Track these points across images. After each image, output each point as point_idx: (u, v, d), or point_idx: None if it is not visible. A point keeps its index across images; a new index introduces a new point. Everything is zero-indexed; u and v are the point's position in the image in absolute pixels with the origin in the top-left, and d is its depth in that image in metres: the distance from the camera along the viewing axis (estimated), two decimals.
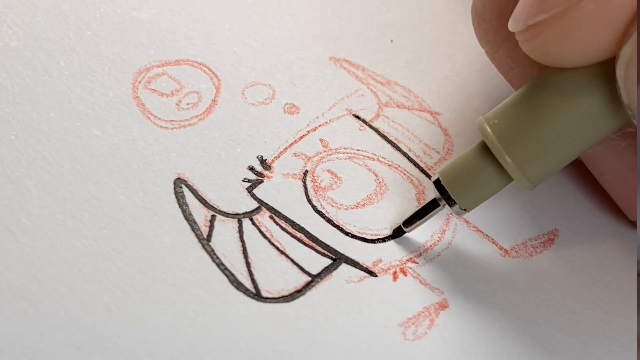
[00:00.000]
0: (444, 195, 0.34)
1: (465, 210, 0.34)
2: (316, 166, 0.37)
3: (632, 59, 0.29)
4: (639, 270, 0.36)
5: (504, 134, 0.32)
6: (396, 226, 0.36)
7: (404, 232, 0.36)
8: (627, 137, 0.35)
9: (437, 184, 0.34)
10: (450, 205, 0.34)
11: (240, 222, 0.35)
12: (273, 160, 0.37)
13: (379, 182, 0.37)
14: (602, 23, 0.29)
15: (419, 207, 0.35)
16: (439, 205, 0.35)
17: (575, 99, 0.31)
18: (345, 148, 0.38)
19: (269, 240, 0.35)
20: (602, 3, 0.29)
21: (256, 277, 0.34)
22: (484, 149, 0.33)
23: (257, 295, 0.33)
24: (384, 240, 0.36)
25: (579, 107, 0.31)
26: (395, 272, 0.35)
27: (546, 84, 0.32)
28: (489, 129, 0.32)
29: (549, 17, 0.30)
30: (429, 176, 0.38)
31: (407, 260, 0.35)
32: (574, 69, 0.31)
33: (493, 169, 0.33)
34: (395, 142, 0.39)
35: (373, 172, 0.38)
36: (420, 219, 0.35)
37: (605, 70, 0.31)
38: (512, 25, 0.32)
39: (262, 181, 0.36)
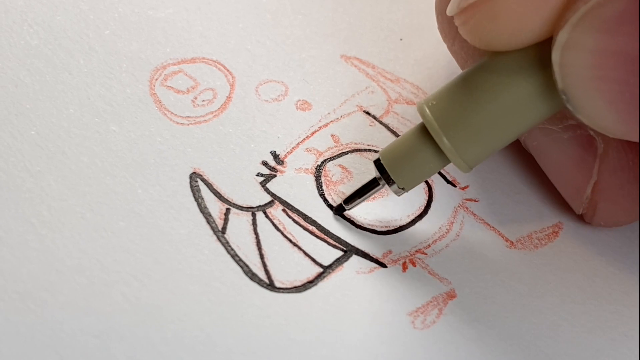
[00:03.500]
0: (383, 175, 0.34)
1: (403, 189, 0.34)
2: (327, 161, 0.38)
3: (568, 44, 0.28)
4: None
5: (442, 116, 0.31)
6: (337, 204, 0.36)
7: (345, 210, 0.36)
8: (568, 129, 0.34)
9: (377, 163, 0.34)
10: (390, 185, 0.34)
11: (254, 215, 0.35)
12: (286, 156, 0.37)
13: None
14: (529, 6, 0.29)
15: (359, 187, 0.35)
16: (378, 184, 0.35)
17: (510, 82, 0.30)
18: (355, 143, 0.38)
19: (282, 233, 0.35)
20: None
21: (270, 268, 0.34)
22: (423, 130, 0.32)
23: (270, 286, 0.34)
24: (393, 232, 0.36)
25: (513, 90, 0.30)
26: (404, 263, 0.35)
27: (483, 67, 0.31)
28: (427, 110, 0.32)
29: None
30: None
31: (416, 251, 0.35)
32: (510, 52, 0.30)
33: (431, 151, 0.32)
34: None
35: None
36: (360, 197, 0.35)
37: (540, 54, 0.30)
38: (448, 10, 0.31)
39: (275, 175, 0.37)
